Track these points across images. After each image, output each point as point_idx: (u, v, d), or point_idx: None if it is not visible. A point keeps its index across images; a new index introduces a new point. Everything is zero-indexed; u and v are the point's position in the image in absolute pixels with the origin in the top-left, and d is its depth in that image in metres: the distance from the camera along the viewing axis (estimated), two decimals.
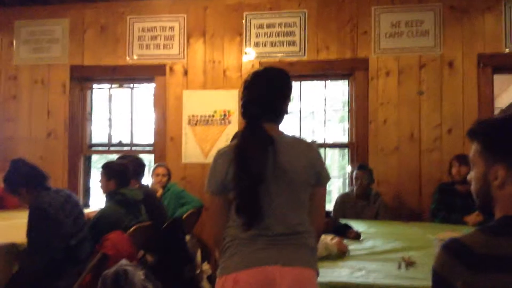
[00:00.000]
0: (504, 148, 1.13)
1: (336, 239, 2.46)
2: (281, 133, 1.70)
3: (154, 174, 4.35)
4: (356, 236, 2.89)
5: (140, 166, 3.84)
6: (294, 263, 1.56)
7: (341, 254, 2.39)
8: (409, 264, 2.19)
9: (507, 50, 4.29)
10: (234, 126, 4.59)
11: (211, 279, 4.08)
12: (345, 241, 2.60)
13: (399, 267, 2.16)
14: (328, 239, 2.41)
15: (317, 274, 1.64)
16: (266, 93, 1.68)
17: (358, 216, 3.94)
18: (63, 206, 2.71)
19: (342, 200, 4.18)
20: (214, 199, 1.68)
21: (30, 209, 2.65)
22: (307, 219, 1.65)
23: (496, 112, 5.19)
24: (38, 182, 2.76)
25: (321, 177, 1.67)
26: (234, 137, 3.85)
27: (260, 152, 1.58)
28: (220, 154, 1.67)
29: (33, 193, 2.72)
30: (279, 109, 1.71)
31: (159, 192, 4.25)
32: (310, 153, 1.66)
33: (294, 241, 1.59)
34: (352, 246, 2.65)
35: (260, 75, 1.74)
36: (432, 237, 2.73)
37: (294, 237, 1.59)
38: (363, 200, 4.09)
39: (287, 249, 1.57)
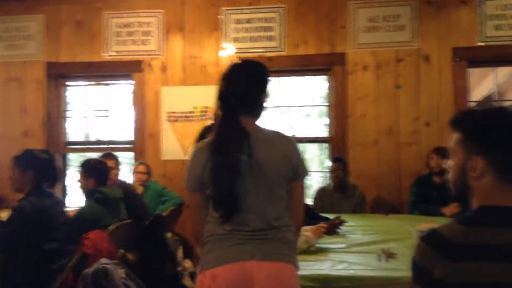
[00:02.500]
0: (485, 140, 1.14)
1: (311, 227, 2.49)
2: (258, 127, 1.69)
3: (135, 172, 4.32)
4: (340, 223, 2.91)
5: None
6: (271, 257, 1.56)
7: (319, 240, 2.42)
8: (389, 255, 2.22)
9: (481, 44, 4.37)
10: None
11: (193, 276, 4.07)
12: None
13: (379, 259, 2.19)
14: (306, 232, 2.43)
15: (297, 269, 1.64)
16: (243, 86, 1.66)
17: (336, 209, 3.97)
18: (49, 211, 2.67)
19: (320, 194, 4.21)
20: (192, 196, 1.68)
21: (14, 208, 2.61)
22: (285, 214, 1.65)
23: (472, 105, 5.28)
24: (43, 179, 2.72)
25: (299, 171, 1.66)
26: (201, 133, 3.87)
27: (235, 145, 1.56)
28: (197, 150, 1.66)
29: (31, 183, 2.67)
30: (256, 103, 1.69)
31: (140, 190, 4.22)
32: (286, 147, 1.65)
33: (271, 236, 1.59)
34: (332, 240, 2.67)
35: (238, 67, 1.72)
36: (411, 229, 2.77)
37: (271, 232, 1.59)
38: (341, 193, 4.12)
39: (265, 244, 1.57)
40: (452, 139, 1.22)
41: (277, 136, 1.68)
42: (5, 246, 2.56)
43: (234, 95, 1.64)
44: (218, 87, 1.71)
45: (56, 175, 2.81)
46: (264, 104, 1.73)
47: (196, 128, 4.58)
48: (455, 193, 1.23)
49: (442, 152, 3.81)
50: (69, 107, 5.14)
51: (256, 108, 1.70)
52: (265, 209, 1.59)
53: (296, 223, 1.70)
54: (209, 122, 4.08)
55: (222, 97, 1.67)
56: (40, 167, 2.70)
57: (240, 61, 1.78)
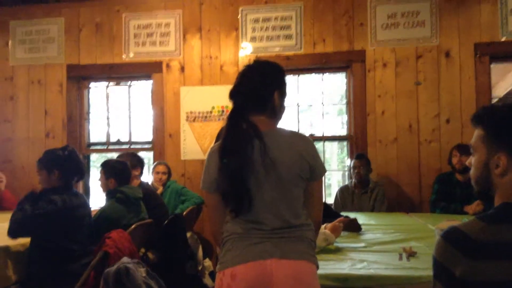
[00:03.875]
0: (508, 136, 1.12)
1: (329, 225, 2.48)
2: (272, 126, 1.68)
3: (154, 172, 4.35)
4: (357, 227, 2.89)
5: (138, 160, 3.83)
6: (291, 256, 1.55)
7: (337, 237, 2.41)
8: (411, 254, 2.19)
9: (503, 39, 4.28)
10: None
11: (213, 275, 4.09)
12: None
13: (400, 258, 2.17)
14: (325, 230, 2.42)
15: (317, 267, 1.63)
16: (252, 84, 1.66)
17: (357, 206, 3.96)
18: (76, 210, 2.73)
19: (341, 192, 4.21)
20: (209, 196, 1.68)
21: (40, 195, 2.68)
22: (303, 212, 1.64)
23: (494, 101, 5.18)
24: (72, 176, 2.79)
25: (315, 170, 1.65)
26: (219, 132, 3.87)
27: (241, 143, 1.57)
28: (212, 151, 1.67)
29: (59, 181, 2.74)
30: (266, 101, 1.67)
31: (160, 190, 4.25)
32: (302, 146, 1.63)
33: (290, 234, 1.58)
34: (352, 238, 2.65)
35: (250, 66, 1.73)
36: (433, 227, 2.74)
37: (290, 231, 1.58)
38: (362, 190, 4.12)
39: (284, 242, 1.57)
40: (474, 135, 1.20)
41: (293, 136, 1.67)
42: (27, 228, 2.60)
43: (241, 93, 1.65)
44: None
45: (81, 168, 2.88)
46: (281, 104, 1.72)
47: (214, 128, 4.61)
48: (478, 190, 1.21)
49: (464, 149, 3.75)
50: (90, 108, 5.21)
51: (267, 106, 1.68)
52: (282, 208, 1.59)
53: (314, 222, 1.70)
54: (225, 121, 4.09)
55: (231, 95, 1.69)
56: (64, 164, 2.77)
57: (254, 61, 1.78)
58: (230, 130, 1.61)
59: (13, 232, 2.59)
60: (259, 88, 1.66)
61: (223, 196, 1.61)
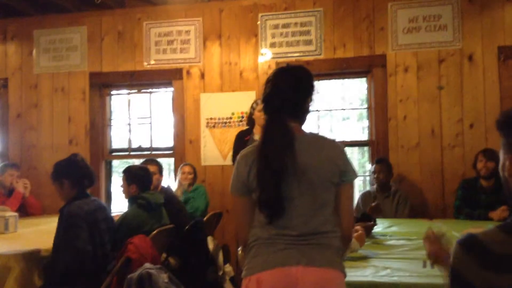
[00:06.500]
0: (508, 139, 1.10)
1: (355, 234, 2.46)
2: (303, 131, 1.69)
3: (181, 172, 4.38)
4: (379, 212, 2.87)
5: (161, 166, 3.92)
6: (317, 263, 1.53)
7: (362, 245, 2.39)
8: None
9: None
10: None
11: (234, 281, 4.08)
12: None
13: (424, 265, 2.13)
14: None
15: (344, 275, 1.61)
16: (289, 89, 1.66)
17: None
18: (95, 214, 2.75)
19: (364, 197, 4.17)
20: (237, 200, 1.69)
21: (61, 214, 2.70)
22: (332, 219, 1.62)
23: None
24: (81, 181, 2.81)
25: (346, 174, 1.63)
26: (238, 137, 3.91)
27: (283, 147, 1.56)
28: (243, 155, 1.68)
29: (73, 189, 2.76)
30: (301, 107, 1.69)
31: (188, 188, 4.28)
32: (332, 151, 1.63)
33: (316, 241, 1.57)
34: (376, 245, 2.62)
35: (285, 70, 1.73)
36: (457, 234, 2.69)
37: (316, 237, 1.57)
38: (383, 195, 4.08)
39: (310, 249, 1.55)
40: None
41: (323, 140, 1.67)
42: (77, 260, 2.62)
43: (279, 97, 1.65)
44: (264, 90, 1.71)
45: (87, 171, 2.86)
46: (309, 110, 1.73)
47: (234, 133, 4.60)
48: (507, 196, 1.17)
49: (490, 154, 3.66)
50: (112, 115, 5.29)
51: (301, 112, 1.70)
52: (311, 213, 1.58)
53: (345, 228, 1.66)
54: (245, 127, 4.12)
55: (267, 99, 1.68)
56: (69, 171, 2.79)
57: (286, 65, 1.78)
58: (269, 135, 1.61)
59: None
60: (295, 94, 1.67)
61: (259, 201, 1.59)
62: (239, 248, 2.61)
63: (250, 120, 3.98)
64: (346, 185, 1.65)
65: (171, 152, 4.99)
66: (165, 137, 5.19)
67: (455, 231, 2.93)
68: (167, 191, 3.90)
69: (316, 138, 1.67)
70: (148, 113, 5.14)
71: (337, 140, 1.72)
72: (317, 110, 4.72)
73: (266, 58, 4.68)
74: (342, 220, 1.65)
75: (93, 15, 5.05)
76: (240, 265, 2.59)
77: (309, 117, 1.75)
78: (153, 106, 5.15)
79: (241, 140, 4.03)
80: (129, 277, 2.36)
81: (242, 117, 4.65)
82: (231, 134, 4.63)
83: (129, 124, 5.19)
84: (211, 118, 4.75)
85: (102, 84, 5.13)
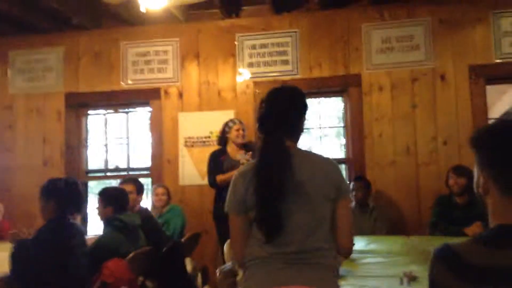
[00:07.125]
0: (480, 156, 1.13)
1: None
2: (298, 149, 1.72)
3: (154, 194, 4.34)
4: None
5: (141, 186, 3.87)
6: (313, 283, 1.54)
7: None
8: (411, 279, 2.17)
9: (497, 61, 4.33)
10: None
11: None
12: None
13: (401, 282, 2.15)
14: None
15: None
16: (285, 109, 1.70)
17: (357, 226, 3.93)
18: (69, 240, 2.69)
19: None
20: (234, 218, 1.69)
21: (33, 239, 2.64)
22: (328, 236, 1.63)
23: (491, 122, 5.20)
24: (67, 206, 2.75)
25: (341, 189, 1.65)
26: (212, 157, 3.93)
27: (280, 166, 1.59)
28: (241, 173, 1.70)
29: (56, 211, 2.69)
30: (296, 126, 1.74)
31: (162, 210, 4.24)
32: (327, 167, 1.66)
33: (312, 260, 1.58)
34: (352, 263, 2.63)
35: (279, 90, 1.78)
36: (433, 250, 2.72)
37: (312, 255, 1.58)
38: (362, 212, 4.11)
39: (306, 268, 1.56)
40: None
41: (318, 157, 1.71)
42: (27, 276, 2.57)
43: (275, 117, 1.69)
44: (258, 110, 1.76)
45: (79, 202, 2.84)
46: (303, 128, 1.77)
47: None
48: (483, 212, 1.19)
49: (460, 171, 3.72)
50: (88, 135, 5.23)
51: (296, 131, 1.74)
52: (310, 229, 1.59)
53: (345, 242, 1.67)
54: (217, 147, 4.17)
55: (263, 119, 1.71)
56: (61, 196, 2.73)
57: (280, 86, 1.83)
58: (266, 154, 1.64)
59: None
60: (290, 114, 1.71)
61: (256, 219, 1.60)
62: (218, 270, 2.59)
63: (222, 140, 4.00)
64: (343, 199, 1.66)
65: (148, 172, 4.95)
66: (142, 157, 5.15)
67: (431, 247, 2.96)
68: (144, 211, 3.85)
69: (312, 156, 1.71)
70: (125, 133, 5.10)
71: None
72: None
73: (244, 77, 4.71)
74: (342, 234, 1.65)
75: (70, 35, 5.03)
76: (219, 287, 2.56)
77: (302, 136, 1.79)
78: (130, 126, 5.11)
79: (217, 160, 4.04)
80: None
81: None
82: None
83: (106, 145, 5.14)
84: (189, 137, 4.74)
85: (79, 104, 5.08)
